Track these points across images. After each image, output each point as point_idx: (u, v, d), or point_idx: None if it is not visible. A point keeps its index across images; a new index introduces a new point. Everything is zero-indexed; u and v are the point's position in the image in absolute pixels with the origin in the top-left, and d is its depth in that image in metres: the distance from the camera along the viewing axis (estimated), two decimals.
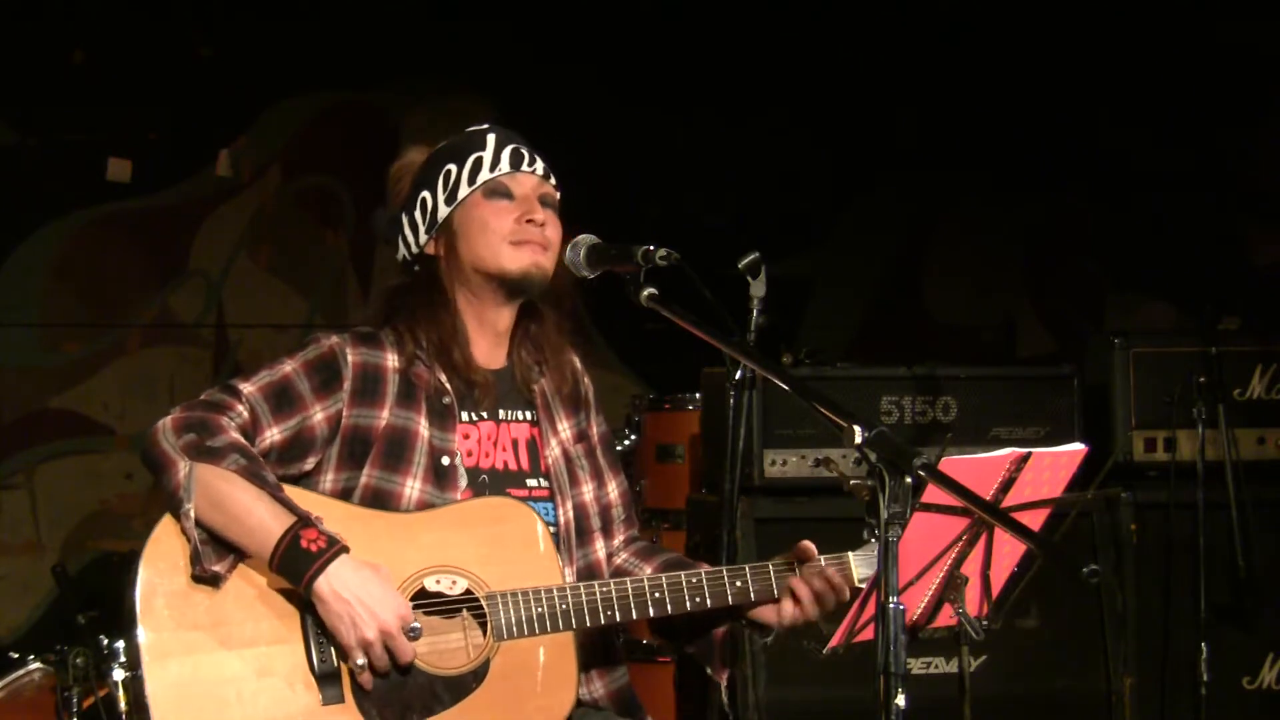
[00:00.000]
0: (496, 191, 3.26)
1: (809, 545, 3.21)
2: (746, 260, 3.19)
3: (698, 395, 5.59)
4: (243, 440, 3.07)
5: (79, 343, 6.77)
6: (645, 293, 3.04)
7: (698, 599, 3.16)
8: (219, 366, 6.97)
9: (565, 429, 3.35)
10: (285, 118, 7.05)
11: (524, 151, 3.30)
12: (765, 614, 3.23)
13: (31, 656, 4.28)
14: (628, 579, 3.15)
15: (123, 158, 6.76)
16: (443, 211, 3.28)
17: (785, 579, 3.19)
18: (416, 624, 3.04)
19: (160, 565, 3.02)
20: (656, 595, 3.14)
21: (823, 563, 3.19)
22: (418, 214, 3.29)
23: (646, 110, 7.14)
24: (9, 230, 6.64)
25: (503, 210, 3.25)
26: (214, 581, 3.02)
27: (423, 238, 3.30)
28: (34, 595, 6.60)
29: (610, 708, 3.30)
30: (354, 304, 7.11)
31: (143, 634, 2.99)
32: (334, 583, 2.98)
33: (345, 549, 3.00)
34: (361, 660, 3.00)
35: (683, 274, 3.04)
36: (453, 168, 3.27)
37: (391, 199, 3.37)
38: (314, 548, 2.98)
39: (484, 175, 3.26)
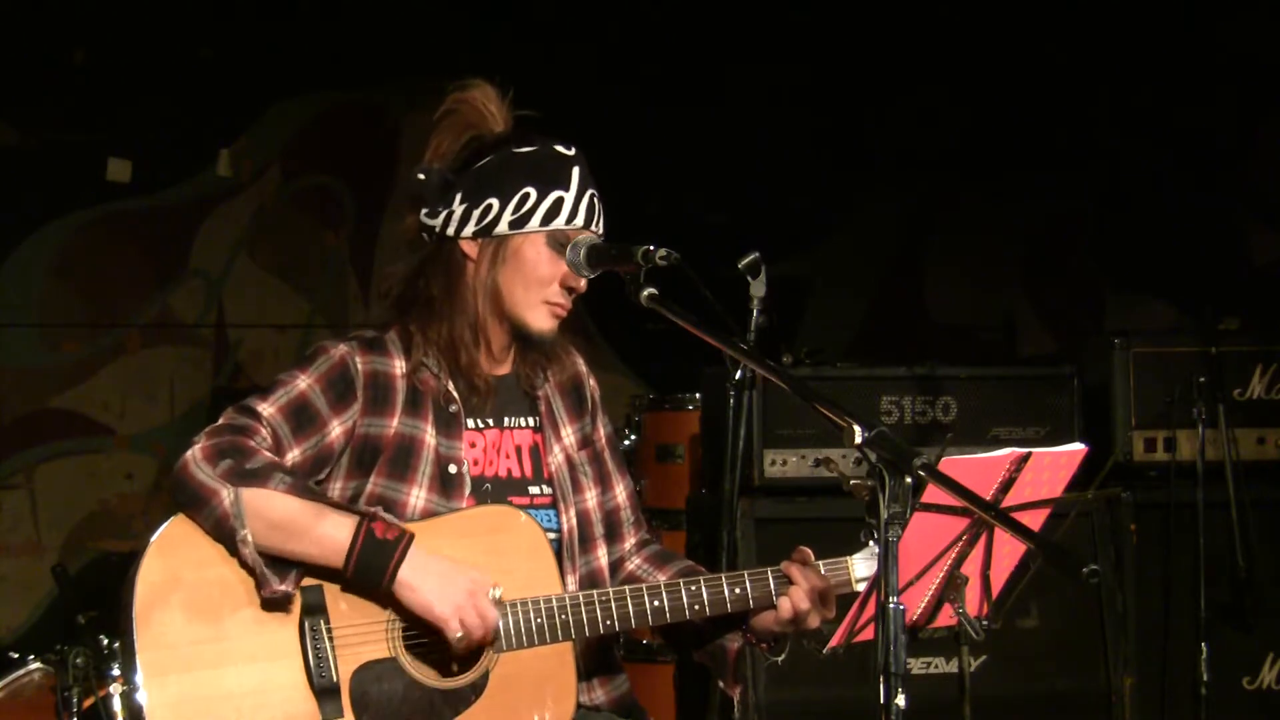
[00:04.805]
0: (561, 245, 3.18)
1: (806, 551, 3.20)
2: (746, 260, 3.18)
3: (698, 395, 5.60)
4: (278, 459, 3.05)
5: (79, 343, 6.77)
6: (645, 293, 3.02)
7: (696, 607, 3.14)
8: (219, 366, 6.97)
9: (569, 434, 3.33)
10: (285, 118, 7.05)
11: (598, 205, 3.23)
12: (766, 620, 3.20)
13: (31, 656, 4.27)
14: (626, 587, 3.14)
15: (123, 158, 6.76)
16: (503, 229, 3.18)
17: (785, 586, 3.17)
18: (496, 587, 3.03)
19: (158, 580, 3.00)
20: (655, 604, 3.12)
21: (822, 568, 3.18)
22: (476, 211, 3.19)
23: (647, 110, 7.13)
24: (9, 230, 6.64)
25: (555, 264, 3.18)
26: (285, 602, 3.00)
27: (468, 232, 3.20)
28: (34, 595, 6.60)
29: (612, 712, 3.28)
30: (354, 304, 7.11)
31: (141, 650, 2.97)
32: (416, 564, 2.99)
33: (412, 534, 3.01)
34: (459, 632, 2.99)
35: (683, 274, 3.03)
36: (531, 193, 3.18)
37: (439, 126, 3.25)
38: (390, 535, 2.99)
39: (558, 223, 3.18)
